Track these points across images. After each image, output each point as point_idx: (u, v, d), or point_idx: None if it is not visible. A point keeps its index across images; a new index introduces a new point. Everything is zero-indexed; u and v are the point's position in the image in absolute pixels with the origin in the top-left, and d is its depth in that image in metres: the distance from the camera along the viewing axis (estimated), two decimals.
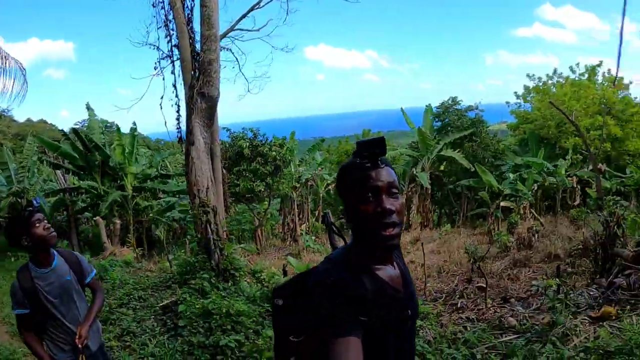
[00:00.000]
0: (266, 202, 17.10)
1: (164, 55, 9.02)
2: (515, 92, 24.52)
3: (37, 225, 3.08)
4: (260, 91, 12.79)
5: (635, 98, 23.16)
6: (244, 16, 10.44)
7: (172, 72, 8.96)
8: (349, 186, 1.59)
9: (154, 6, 8.91)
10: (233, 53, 10.97)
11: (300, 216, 20.69)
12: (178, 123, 9.11)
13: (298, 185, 19.06)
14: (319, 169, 20.81)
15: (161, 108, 9.11)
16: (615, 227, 6.77)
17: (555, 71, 23.87)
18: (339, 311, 1.42)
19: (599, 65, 23.69)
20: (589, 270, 7.48)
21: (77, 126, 31.57)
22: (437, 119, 23.06)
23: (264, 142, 15.42)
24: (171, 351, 5.56)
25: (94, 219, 14.50)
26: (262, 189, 15.38)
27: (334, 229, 2.03)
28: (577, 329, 4.97)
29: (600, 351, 4.27)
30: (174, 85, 8.88)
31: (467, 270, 9.26)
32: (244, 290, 6.91)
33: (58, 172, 16.99)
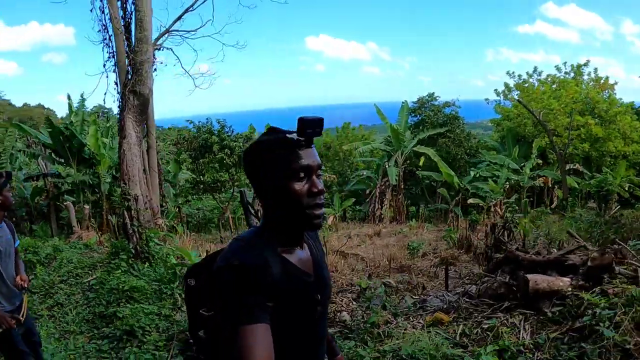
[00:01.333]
0: (230, 192, 18.15)
1: (108, 56, 10.08)
2: (496, 90, 25.20)
3: (8, 191, 3.78)
4: (211, 86, 13.57)
5: (621, 99, 23.70)
6: (178, 19, 11.39)
7: (114, 71, 10.03)
8: (275, 162, 1.53)
9: (91, 11, 9.97)
10: (174, 52, 11.93)
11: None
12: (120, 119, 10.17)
13: None
14: None
15: (104, 103, 10.18)
16: (504, 231, 7.39)
17: (535, 69, 24.46)
18: (245, 297, 1.39)
19: (585, 65, 24.18)
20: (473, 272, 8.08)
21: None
22: (413, 114, 23.79)
23: (229, 133, 16.48)
24: (81, 320, 6.68)
25: (64, 204, 15.77)
26: (227, 179, 16.48)
27: (250, 208, 2.06)
28: (395, 331, 5.14)
29: (391, 354, 4.55)
30: (116, 83, 9.99)
31: (397, 266, 10.04)
32: (158, 272, 7.99)
33: (39, 159, 18.34)
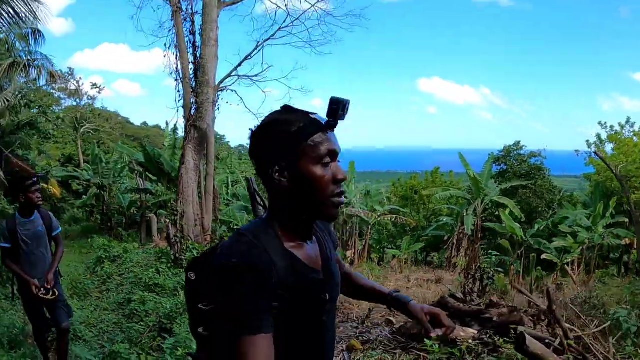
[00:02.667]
0: None
1: (178, 95, 12.41)
2: (587, 141, 24.66)
3: (33, 191, 4.54)
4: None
5: None
6: (237, 66, 13.39)
7: (183, 107, 12.34)
8: (297, 145, 1.40)
9: (164, 56, 12.37)
10: (237, 93, 13.86)
11: (349, 242, 23.40)
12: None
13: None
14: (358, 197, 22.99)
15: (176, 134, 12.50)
16: (475, 282, 8.03)
17: (628, 120, 23.66)
18: (246, 301, 1.29)
19: None
20: None
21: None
22: (497, 163, 24.11)
23: None
24: (114, 302, 8.66)
25: (149, 216, 18.54)
26: None
27: (258, 198, 2.15)
28: None
29: None
30: (184, 117, 12.25)
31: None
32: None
33: (137, 175, 21.59)
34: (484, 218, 22.21)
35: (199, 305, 1.49)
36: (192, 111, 11.61)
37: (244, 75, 13.41)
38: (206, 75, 11.39)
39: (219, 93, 12.60)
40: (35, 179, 4.66)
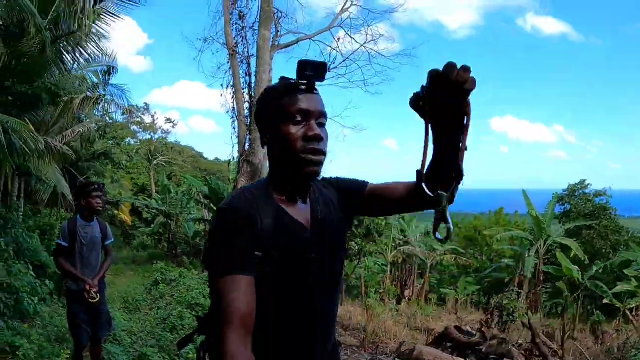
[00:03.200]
0: (356, 261, 20.27)
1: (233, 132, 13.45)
2: None
3: (95, 197, 4.76)
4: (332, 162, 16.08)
5: None
6: None
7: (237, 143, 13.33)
8: (274, 106, 1.52)
9: (221, 95, 13.48)
10: None
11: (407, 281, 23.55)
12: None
13: (397, 250, 21.87)
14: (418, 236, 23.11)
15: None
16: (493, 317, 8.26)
17: None
18: (230, 242, 1.39)
19: None
20: None
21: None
22: (561, 203, 23.66)
23: None
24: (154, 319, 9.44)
25: None
26: (355, 248, 18.73)
27: None
28: None
29: None
30: (239, 153, 13.20)
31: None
32: None
33: (202, 206, 22.87)
34: (546, 260, 21.74)
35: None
36: (246, 147, 12.52)
37: None
38: None
39: None
40: (97, 185, 4.91)
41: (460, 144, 1.27)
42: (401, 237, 22.88)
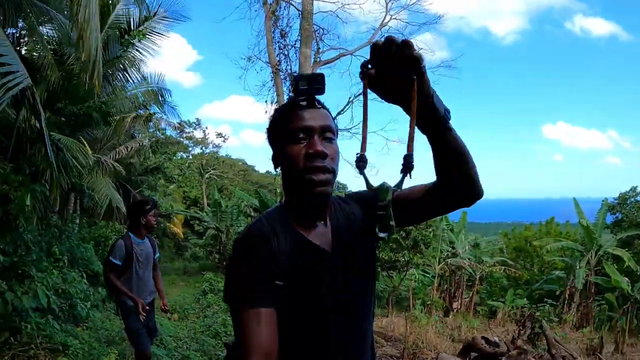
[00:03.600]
0: (403, 273, 20.35)
1: None
2: None
3: (152, 215, 4.88)
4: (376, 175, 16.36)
5: None
6: (334, 118, 14.71)
7: None
8: (279, 126, 1.49)
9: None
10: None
11: (455, 293, 23.44)
12: None
13: (444, 262, 21.82)
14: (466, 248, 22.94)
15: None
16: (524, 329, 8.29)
17: None
18: (249, 272, 1.35)
19: None
20: None
21: None
22: (613, 212, 23.06)
23: None
24: (200, 326, 9.96)
25: None
26: (402, 260, 18.89)
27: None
28: None
29: None
30: None
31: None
32: None
33: (250, 219, 23.47)
34: (597, 271, 21.20)
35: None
36: None
37: (342, 129, 14.64)
38: None
39: None
40: (153, 203, 5.01)
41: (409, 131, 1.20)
42: (449, 249, 22.80)
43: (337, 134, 1.53)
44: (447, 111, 1.29)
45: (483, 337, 7.26)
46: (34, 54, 7.91)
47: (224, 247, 23.84)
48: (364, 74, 1.19)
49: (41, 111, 5.52)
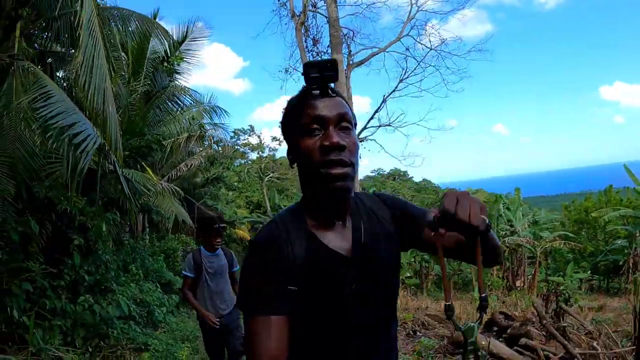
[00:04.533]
0: None
1: None
2: None
3: (215, 236, 5.02)
4: (422, 165, 17.12)
5: None
6: (370, 119, 15.34)
7: None
8: (291, 118, 1.43)
9: None
10: (376, 142, 15.74)
11: (518, 270, 23.73)
12: None
13: (502, 241, 22.14)
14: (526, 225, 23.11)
15: None
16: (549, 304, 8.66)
17: None
18: (263, 277, 1.33)
19: None
20: None
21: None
22: None
23: None
24: None
25: None
26: None
27: None
28: None
29: None
30: None
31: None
32: None
33: None
34: None
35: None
36: None
37: (382, 125, 15.44)
38: None
39: (360, 144, 14.83)
40: (218, 225, 5.06)
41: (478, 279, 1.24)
42: (508, 227, 23.09)
43: (356, 124, 1.48)
44: (489, 225, 1.21)
45: (502, 313, 7.84)
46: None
47: None
48: (436, 235, 1.18)
49: (113, 157, 6.67)
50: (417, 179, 55.78)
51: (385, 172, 54.82)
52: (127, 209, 8.72)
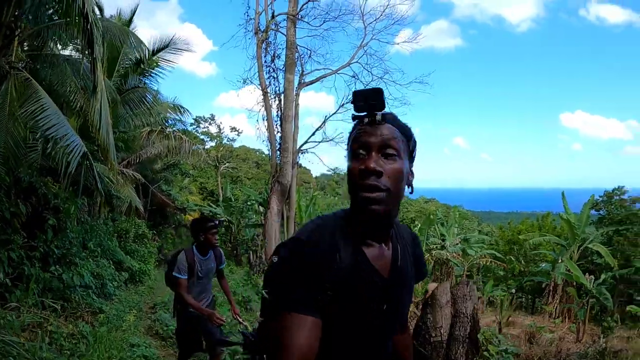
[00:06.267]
0: None
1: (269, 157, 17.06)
2: None
3: (213, 233, 5.11)
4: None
5: None
6: (312, 135, 17.66)
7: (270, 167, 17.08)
8: (348, 140, 1.56)
9: (257, 129, 16.97)
10: (316, 154, 18.48)
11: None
12: None
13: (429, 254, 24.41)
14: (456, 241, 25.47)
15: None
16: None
17: None
18: (302, 280, 1.38)
19: None
20: None
21: None
22: (597, 209, 25.08)
23: None
24: None
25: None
26: None
27: None
28: None
29: None
30: (271, 174, 16.83)
31: None
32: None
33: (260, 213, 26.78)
34: (580, 265, 22.86)
35: (262, 291, 1.56)
36: (278, 169, 16.08)
37: (323, 140, 17.79)
38: (286, 143, 16.03)
39: (300, 155, 17.13)
40: (216, 222, 5.23)
41: None
42: (440, 242, 25.32)
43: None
44: None
45: None
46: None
47: (235, 237, 27.08)
48: None
49: (90, 158, 8.45)
50: None
51: (342, 172, 56.69)
52: (94, 195, 10.46)
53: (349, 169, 1.48)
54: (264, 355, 1.67)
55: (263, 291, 1.53)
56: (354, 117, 1.51)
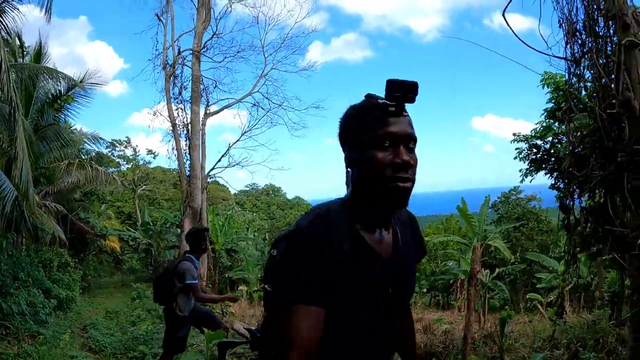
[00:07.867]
0: None
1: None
2: None
3: (207, 241, 6.02)
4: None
5: None
6: (218, 161, 19.29)
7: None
8: (363, 127, 1.53)
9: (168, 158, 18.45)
10: (223, 178, 20.34)
11: None
12: None
13: None
14: None
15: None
16: None
17: None
18: (305, 270, 1.42)
19: None
20: None
21: None
22: (496, 209, 27.37)
23: None
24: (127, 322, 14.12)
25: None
26: None
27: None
28: None
29: None
30: (183, 199, 18.31)
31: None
32: None
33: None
34: (482, 262, 25.30)
35: (264, 286, 1.55)
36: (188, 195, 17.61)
37: (230, 165, 19.70)
38: (195, 171, 17.68)
39: (209, 180, 18.85)
40: (207, 231, 6.27)
41: None
42: None
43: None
44: None
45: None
46: None
47: (155, 260, 28.06)
48: None
49: (19, 198, 9.64)
50: (290, 195, 59.70)
51: (260, 187, 58.23)
52: (21, 229, 11.54)
53: (374, 158, 1.49)
54: (270, 350, 1.64)
55: (265, 285, 1.55)
56: (383, 105, 1.51)
